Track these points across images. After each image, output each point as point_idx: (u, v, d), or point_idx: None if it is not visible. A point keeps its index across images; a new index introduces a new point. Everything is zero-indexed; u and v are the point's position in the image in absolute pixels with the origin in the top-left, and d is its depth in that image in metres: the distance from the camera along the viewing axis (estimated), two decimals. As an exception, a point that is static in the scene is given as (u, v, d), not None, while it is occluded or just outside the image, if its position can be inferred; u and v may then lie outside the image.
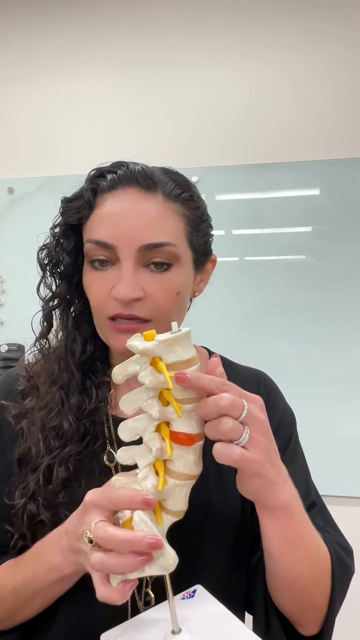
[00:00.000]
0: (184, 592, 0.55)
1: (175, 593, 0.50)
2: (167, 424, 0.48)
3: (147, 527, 0.45)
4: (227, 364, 0.77)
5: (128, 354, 0.49)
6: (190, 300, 0.74)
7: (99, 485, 0.58)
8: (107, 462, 0.66)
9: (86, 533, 0.48)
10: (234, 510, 0.66)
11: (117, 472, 0.65)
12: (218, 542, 0.65)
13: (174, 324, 0.48)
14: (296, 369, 1.68)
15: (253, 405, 0.49)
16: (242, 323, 1.71)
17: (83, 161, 1.86)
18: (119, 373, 0.49)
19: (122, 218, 0.60)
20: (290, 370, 1.67)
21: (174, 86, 1.83)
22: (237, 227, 1.74)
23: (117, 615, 0.57)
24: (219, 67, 1.80)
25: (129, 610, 0.61)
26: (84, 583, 0.55)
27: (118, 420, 0.66)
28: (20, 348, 1.83)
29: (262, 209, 1.74)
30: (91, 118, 1.88)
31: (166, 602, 0.51)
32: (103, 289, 0.62)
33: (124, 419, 0.51)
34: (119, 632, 0.52)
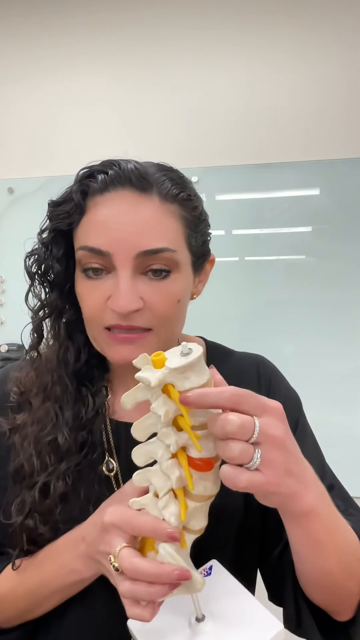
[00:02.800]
0: (201, 569, 0.55)
1: None
2: (184, 448, 0.46)
3: (174, 560, 0.45)
4: (225, 352, 0.75)
5: (126, 365, 0.46)
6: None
7: (99, 496, 0.59)
8: (106, 472, 0.64)
9: (110, 559, 0.47)
10: (235, 503, 0.64)
11: (116, 481, 0.64)
12: (221, 534, 0.63)
13: (183, 344, 0.44)
14: (296, 369, 1.67)
15: (269, 418, 0.44)
16: (242, 323, 1.71)
17: (83, 161, 1.86)
18: (128, 401, 0.46)
19: (116, 223, 0.56)
20: (290, 370, 1.66)
21: (174, 86, 1.83)
22: (237, 227, 1.74)
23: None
24: (219, 67, 1.80)
25: None
26: (97, 579, 0.56)
27: (117, 426, 0.65)
28: (20, 348, 1.83)
29: (262, 209, 1.74)
30: (91, 118, 1.88)
31: None
32: (98, 299, 0.58)
33: (124, 423, 0.49)
34: None
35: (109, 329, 0.59)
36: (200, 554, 0.51)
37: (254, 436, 0.42)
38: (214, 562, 0.56)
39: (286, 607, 0.62)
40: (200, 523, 0.47)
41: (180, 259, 0.59)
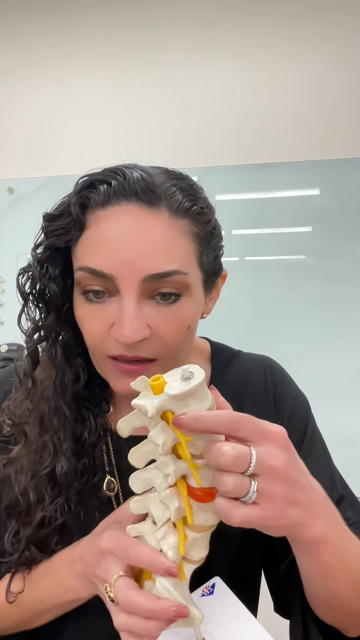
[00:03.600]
0: (203, 587, 0.53)
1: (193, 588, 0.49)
2: (184, 477, 0.44)
3: (171, 595, 0.43)
4: (230, 355, 0.71)
5: (133, 394, 0.43)
6: None
7: (100, 519, 0.55)
8: (107, 492, 0.60)
9: (106, 587, 0.46)
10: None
11: (117, 501, 0.61)
12: (221, 549, 0.59)
13: (184, 368, 0.42)
14: (296, 369, 1.67)
15: (269, 446, 0.40)
16: (242, 323, 1.71)
17: (83, 161, 1.86)
18: (125, 427, 0.44)
19: (121, 243, 0.50)
20: (290, 370, 1.66)
21: (174, 86, 1.83)
22: (237, 227, 1.74)
23: None
24: (219, 67, 1.80)
25: None
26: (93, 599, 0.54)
27: (118, 442, 0.61)
28: (20, 348, 1.82)
29: (262, 209, 1.74)
30: (91, 118, 1.88)
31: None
32: (101, 325, 0.52)
33: (125, 439, 0.45)
34: None
35: (114, 357, 0.53)
36: (201, 569, 0.49)
37: (250, 468, 0.39)
38: (216, 580, 0.54)
39: (293, 622, 0.59)
40: (200, 553, 0.45)
41: (191, 282, 0.53)
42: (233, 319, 1.70)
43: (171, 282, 0.51)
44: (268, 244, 1.73)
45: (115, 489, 0.61)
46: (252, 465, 0.39)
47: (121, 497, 0.61)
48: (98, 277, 0.51)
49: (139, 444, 0.44)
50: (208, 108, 1.81)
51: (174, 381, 0.41)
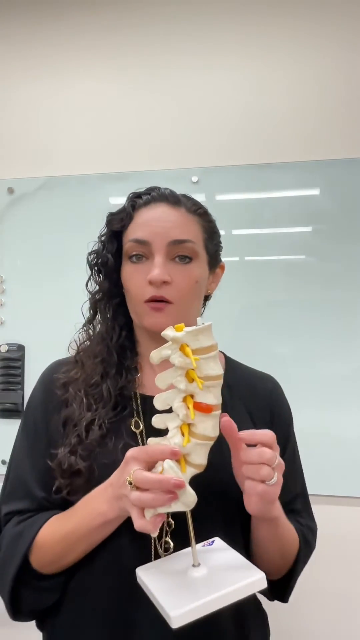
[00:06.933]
0: (204, 542, 0.69)
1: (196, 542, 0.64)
2: (192, 396, 0.60)
3: (174, 472, 0.58)
4: (234, 367, 0.92)
5: (156, 333, 0.68)
6: (205, 302, 0.93)
7: (127, 443, 0.75)
8: (133, 428, 0.80)
9: (127, 478, 0.60)
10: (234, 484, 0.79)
11: (141, 437, 0.79)
12: (224, 504, 0.77)
13: (198, 320, 0.60)
14: (296, 369, 1.68)
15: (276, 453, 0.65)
16: (242, 323, 1.71)
17: (83, 161, 1.87)
18: (155, 356, 0.61)
19: (155, 222, 0.79)
20: (290, 370, 1.67)
21: (174, 86, 1.83)
22: (237, 227, 1.74)
23: (143, 562, 0.70)
24: (219, 67, 1.80)
25: (152, 557, 0.73)
26: (119, 538, 0.72)
27: (144, 397, 0.83)
28: (20, 348, 1.83)
29: (262, 209, 1.74)
30: (91, 118, 1.88)
31: (185, 549, 0.68)
32: (140, 278, 0.78)
33: (150, 397, 0.69)
34: (150, 566, 0.67)
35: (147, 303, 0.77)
36: (207, 525, 0.71)
37: (275, 463, 0.63)
38: (216, 539, 0.70)
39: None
40: (200, 459, 0.60)
41: (199, 252, 0.81)
42: (233, 319, 1.70)
43: (186, 248, 0.79)
44: (267, 244, 1.73)
45: (141, 428, 0.80)
46: (276, 462, 0.63)
47: (145, 436, 0.79)
48: (139, 244, 0.79)
49: (163, 372, 0.61)
50: (208, 108, 1.81)
51: (190, 327, 0.60)
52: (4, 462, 1.82)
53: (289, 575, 0.85)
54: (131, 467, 0.61)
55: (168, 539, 0.74)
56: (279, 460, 0.64)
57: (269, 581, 0.75)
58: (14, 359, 1.82)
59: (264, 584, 0.60)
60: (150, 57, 1.85)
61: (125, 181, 1.79)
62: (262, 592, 0.78)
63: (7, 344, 1.84)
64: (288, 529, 0.79)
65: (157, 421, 0.63)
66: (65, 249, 1.79)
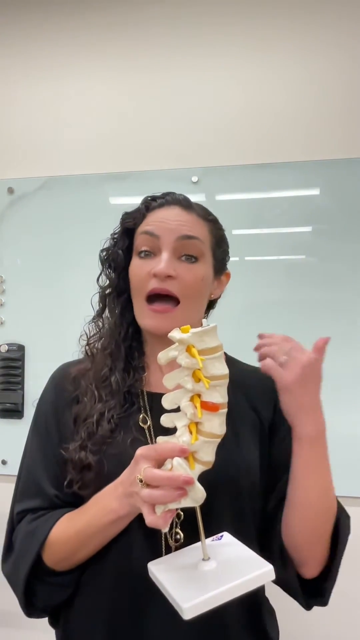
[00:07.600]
0: (213, 537, 0.70)
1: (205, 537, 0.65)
2: (199, 395, 0.62)
3: (183, 469, 0.59)
4: (235, 364, 0.91)
5: (160, 336, 0.74)
6: (209, 309, 0.94)
7: (135, 437, 0.78)
8: (141, 424, 0.81)
9: (137, 476, 0.61)
10: (249, 470, 0.81)
11: (149, 432, 0.81)
12: (232, 494, 0.78)
13: (204, 321, 0.63)
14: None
15: (299, 353, 0.74)
16: (242, 323, 1.71)
17: (83, 161, 1.87)
18: (162, 357, 0.62)
19: (167, 218, 0.82)
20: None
21: (174, 86, 1.83)
22: (237, 227, 1.74)
23: (154, 554, 0.73)
24: (219, 67, 1.80)
25: (163, 549, 0.75)
26: (130, 533, 0.73)
27: (151, 395, 0.84)
28: (20, 348, 1.83)
29: (262, 209, 1.74)
30: (91, 118, 1.88)
31: (195, 544, 0.68)
32: (145, 271, 0.80)
33: (157, 394, 0.77)
34: (161, 561, 0.68)
35: (149, 301, 0.80)
36: (214, 519, 0.72)
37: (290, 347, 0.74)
38: (224, 533, 0.72)
39: (272, 553, 0.79)
40: (207, 456, 0.62)
41: (205, 253, 0.83)
42: (233, 319, 1.70)
43: (193, 246, 0.81)
44: (268, 244, 1.73)
45: (148, 423, 0.82)
46: (292, 346, 0.75)
47: (152, 431, 0.81)
48: (149, 237, 0.81)
49: (171, 372, 0.63)
50: (208, 108, 1.81)
51: (196, 329, 0.61)
52: (4, 462, 1.82)
53: (332, 554, 0.78)
54: (141, 465, 0.62)
55: (178, 529, 0.76)
56: (292, 351, 0.74)
57: (304, 580, 0.79)
58: (14, 359, 1.82)
59: (272, 576, 0.61)
60: (151, 58, 1.85)
61: (125, 181, 1.79)
62: (297, 597, 0.81)
63: (7, 344, 1.84)
64: (327, 468, 0.77)
65: (165, 420, 0.64)
66: (65, 249, 1.78)
